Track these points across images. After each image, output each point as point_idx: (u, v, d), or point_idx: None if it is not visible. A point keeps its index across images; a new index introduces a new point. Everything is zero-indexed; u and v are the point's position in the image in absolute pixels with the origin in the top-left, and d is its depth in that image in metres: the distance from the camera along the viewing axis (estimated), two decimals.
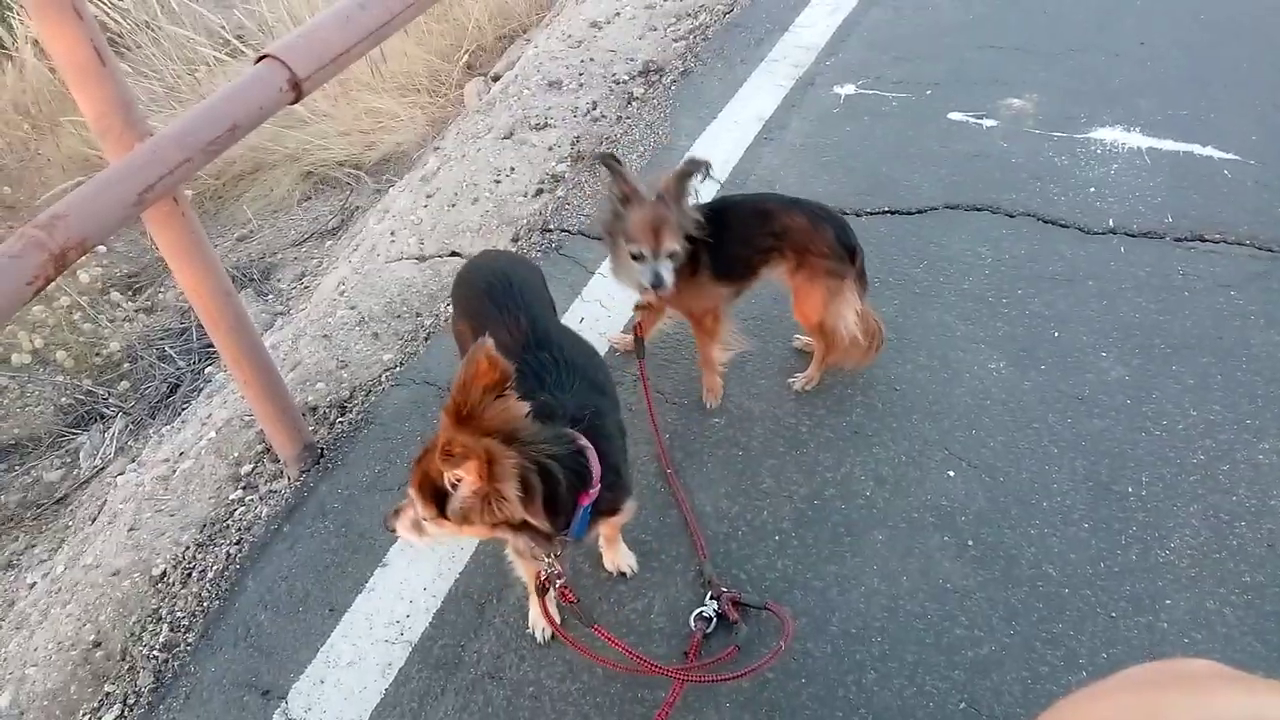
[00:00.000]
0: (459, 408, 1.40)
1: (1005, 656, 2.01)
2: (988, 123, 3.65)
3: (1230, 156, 3.35)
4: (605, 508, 1.72)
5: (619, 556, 2.22)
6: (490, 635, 2.12)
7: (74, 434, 3.49)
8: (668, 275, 2.21)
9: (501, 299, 1.99)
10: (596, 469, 1.59)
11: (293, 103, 2.04)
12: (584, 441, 1.59)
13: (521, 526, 1.51)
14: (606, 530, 2.06)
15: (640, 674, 1.97)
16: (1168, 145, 3.44)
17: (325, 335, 3.03)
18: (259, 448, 2.62)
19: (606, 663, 1.95)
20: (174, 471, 2.66)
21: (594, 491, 1.61)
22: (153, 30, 5.74)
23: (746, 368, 2.74)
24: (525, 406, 1.49)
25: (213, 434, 2.72)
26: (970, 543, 2.24)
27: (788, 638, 1.95)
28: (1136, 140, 3.48)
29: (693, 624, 2.09)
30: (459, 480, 1.39)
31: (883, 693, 1.96)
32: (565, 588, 1.82)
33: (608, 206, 2.25)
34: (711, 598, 2.11)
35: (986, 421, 2.51)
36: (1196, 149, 3.40)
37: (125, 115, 1.90)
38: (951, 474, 2.40)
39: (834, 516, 2.32)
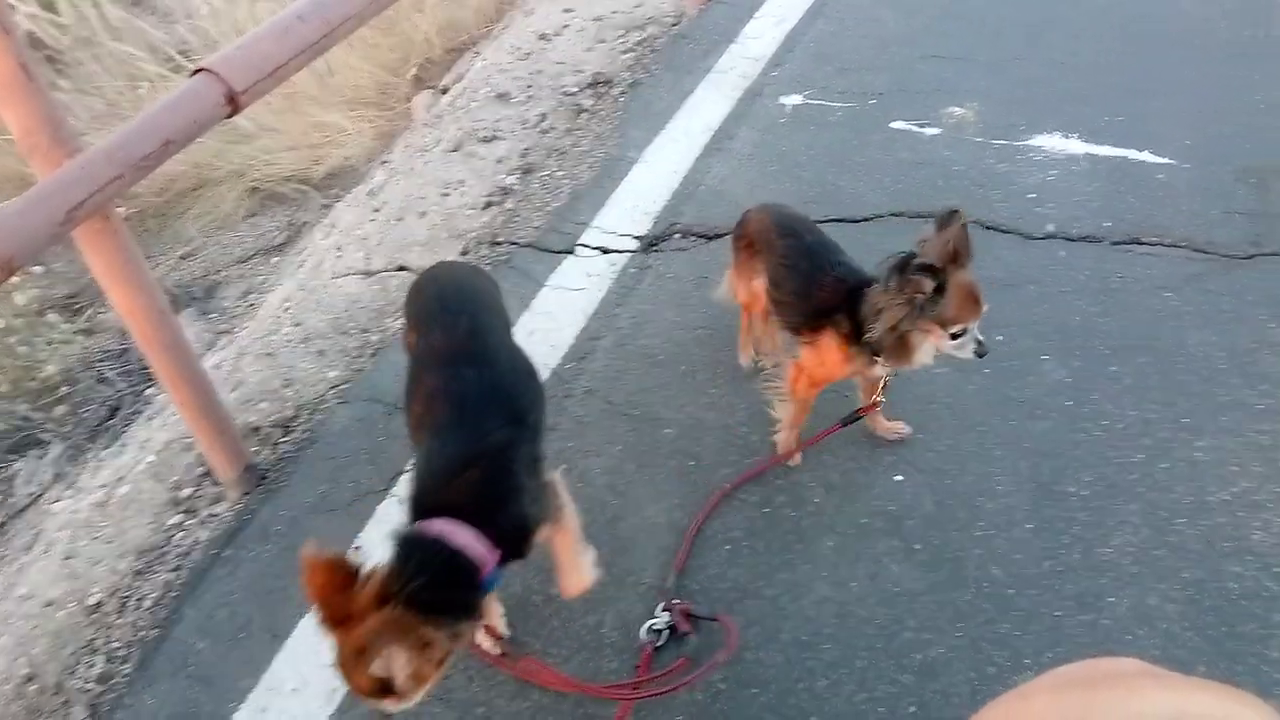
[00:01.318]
0: (334, 617, 1.42)
1: (953, 658, 2.02)
2: (930, 131, 3.70)
3: (1165, 161, 3.43)
4: (514, 552, 1.69)
5: (576, 575, 1.98)
6: None
7: (9, 461, 3.38)
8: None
9: (449, 307, 1.97)
10: (477, 550, 1.55)
11: (229, 116, 2.01)
12: (443, 533, 1.54)
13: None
14: (558, 551, 1.95)
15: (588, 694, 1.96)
16: (1105, 151, 3.51)
17: (269, 354, 2.98)
18: (199, 471, 2.57)
19: (553, 684, 1.94)
20: (111, 497, 2.59)
21: (490, 560, 1.57)
22: (94, 46, 5.62)
23: (698, 377, 2.74)
24: (382, 567, 1.47)
25: (151, 458, 2.66)
26: (918, 546, 2.26)
27: (730, 649, 1.94)
28: (1075, 147, 3.55)
29: (644, 635, 2.07)
30: (390, 669, 1.42)
31: (834, 699, 1.97)
32: (488, 627, 1.80)
33: (907, 292, 1.99)
34: (663, 609, 2.09)
35: (933, 426, 2.53)
36: (1132, 154, 3.48)
37: (53, 132, 1.85)
38: (899, 478, 2.42)
39: (784, 524, 2.33)
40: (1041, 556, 2.21)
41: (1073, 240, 3.10)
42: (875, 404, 2.37)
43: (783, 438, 2.46)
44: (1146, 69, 4.04)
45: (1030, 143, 3.59)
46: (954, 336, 2.04)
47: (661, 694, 1.92)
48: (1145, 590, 2.14)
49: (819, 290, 2.24)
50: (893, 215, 3.26)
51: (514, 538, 1.66)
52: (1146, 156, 3.46)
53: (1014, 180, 3.40)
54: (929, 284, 1.95)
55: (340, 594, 1.42)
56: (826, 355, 2.24)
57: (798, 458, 2.47)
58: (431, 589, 1.45)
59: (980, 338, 2.07)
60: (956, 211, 1.98)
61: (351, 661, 1.41)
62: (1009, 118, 3.74)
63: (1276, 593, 2.11)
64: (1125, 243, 3.07)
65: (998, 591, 2.14)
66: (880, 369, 2.23)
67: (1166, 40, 4.23)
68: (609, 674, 2.03)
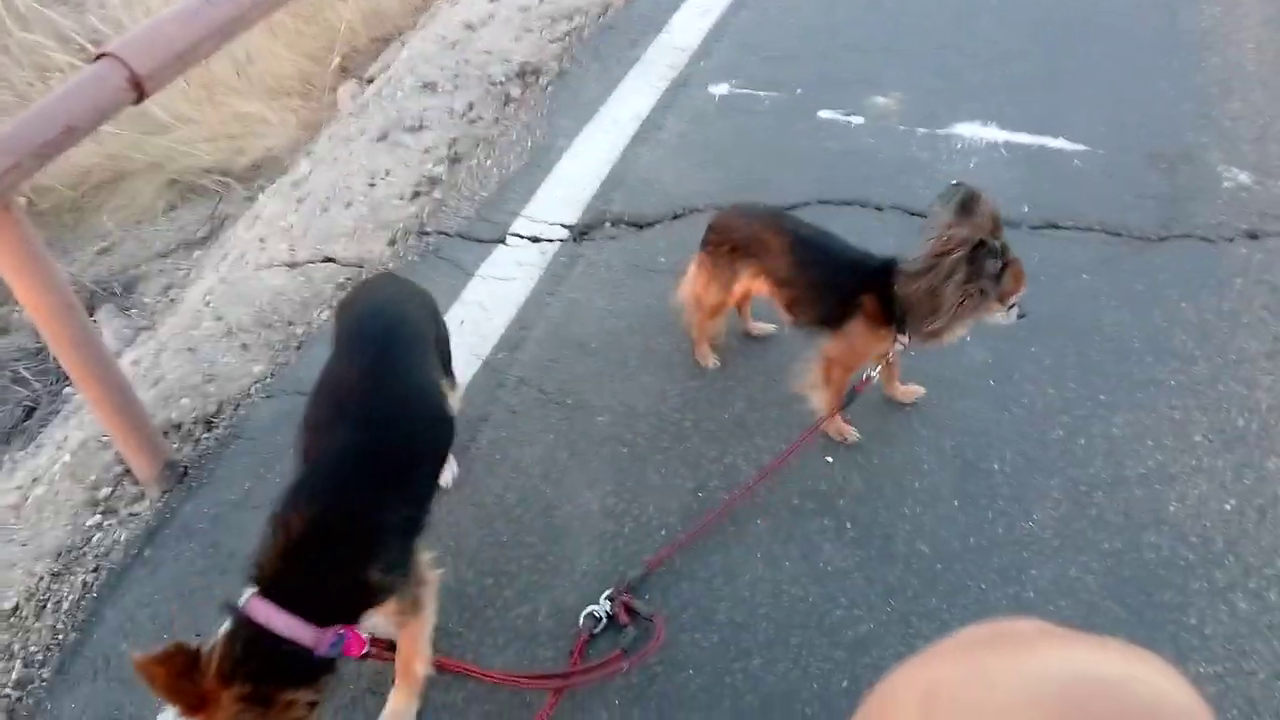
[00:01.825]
0: (189, 706, 1.43)
1: (884, 633, 2.06)
2: (855, 120, 3.76)
3: (1080, 148, 3.54)
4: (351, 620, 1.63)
5: (407, 674, 1.89)
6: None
7: None
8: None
9: (363, 333, 1.87)
10: (304, 635, 1.50)
11: (136, 103, 1.94)
12: (265, 620, 1.48)
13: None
14: (400, 641, 1.85)
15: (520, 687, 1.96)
16: (1022, 139, 3.61)
17: (190, 348, 2.89)
18: (118, 469, 2.48)
19: (487, 676, 1.93)
20: (26, 499, 2.49)
21: (322, 638, 1.52)
22: (1, 36, 5.39)
23: (630, 365, 2.74)
24: (218, 646, 1.46)
25: (68, 457, 2.56)
26: (849, 524, 2.29)
27: (652, 650, 1.97)
28: (994, 134, 3.64)
29: (581, 622, 2.07)
30: None
31: (768, 677, 1.99)
32: (376, 647, 1.76)
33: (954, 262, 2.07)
34: (606, 598, 2.09)
35: (859, 405, 2.56)
36: (1049, 141, 3.59)
37: None
38: (829, 459, 2.46)
39: (719, 506, 2.34)
40: (966, 532, 2.27)
41: None
42: (868, 380, 2.39)
43: (830, 425, 2.48)
44: (1063, 59, 4.16)
45: (951, 131, 3.67)
46: (1010, 308, 2.18)
47: (586, 682, 1.94)
48: (1066, 562, 2.21)
49: (840, 278, 2.29)
50: (820, 203, 3.30)
51: (347, 611, 1.60)
52: (1062, 144, 3.57)
53: (936, 168, 3.47)
54: (997, 265, 2.06)
55: (186, 680, 1.42)
56: (858, 339, 2.29)
57: (853, 434, 2.50)
58: (267, 672, 1.46)
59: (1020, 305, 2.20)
60: (963, 186, 2.10)
61: None
62: (930, 107, 3.81)
63: (1193, 561, 2.20)
64: (1043, 227, 3.16)
65: (925, 566, 2.19)
66: (905, 346, 2.29)
67: (1083, 31, 4.36)
68: (545, 661, 2.02)
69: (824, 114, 3.80)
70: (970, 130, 3.67)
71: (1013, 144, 3.58)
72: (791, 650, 2.04)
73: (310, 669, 1.52)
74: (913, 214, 3.22)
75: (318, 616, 1.52)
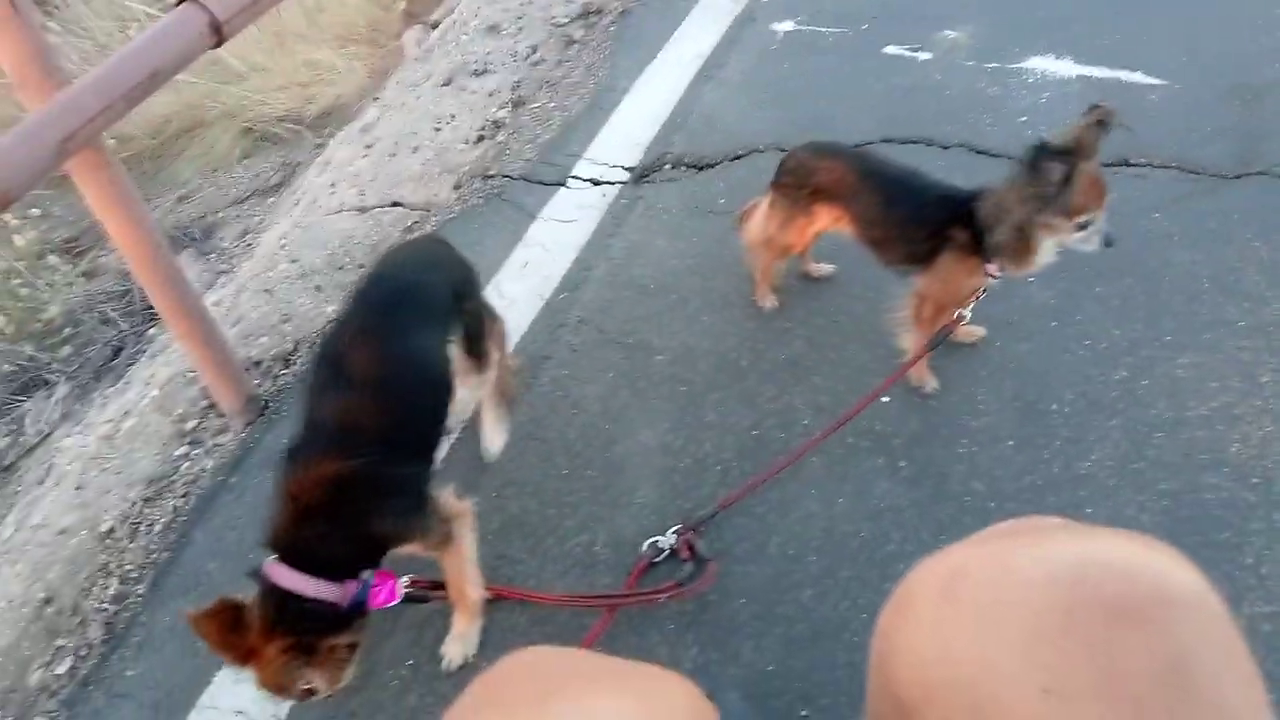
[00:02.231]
0: (239, 657, 1.54)
1: None
2: (923, 56, 3.68)
3: (1157, 82, 3.41)
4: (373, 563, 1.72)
5: (463, 599, 1.98)
6: (435, 573, 2.16)
7: (19, 401, 3.46)
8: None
9: (364, 303, 1.86)
10: (324, 592, 1.58)
11: (214, 47, 2.02)
12: (286, 584, 1.56)
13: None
14: (446, 570, 1.94)
15: (574, 605, 2.06)
16: (1097, 73, 3.49)
17: (267, 290, 3.02)
18: (203, 403, 2.63)
19: (544, 599, 2.04)
20: (118, 431, 2.66)
21: (345, 591, 1.61)
22: None
23: (690, 305, 2.78)
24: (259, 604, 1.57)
25: (156, 392, 2.72)
26: (903, 464, 2.32)
27: (699, 588, 2.03)
28: (1067, 69, 3.53)
29: (644, 548, 2.14)
30: (310, 683, 1.59)
31: (820, 608, 2.04)
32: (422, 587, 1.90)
33: (1029, 189, 2.07)
34: (674, 531, 2.15)
35: None
36: (1124, 75, 3.46)
37: (42, 64, 1.87)
38: (886, 399, 2.47)
39: (774, 445, 2.39)
40: (1022, 471, 2.27)
41: None
42: (960, 319, 2.36)
43: (916, 370, 2.45)
44: None
45: (1023, 65, 3.57)
46: (1080, 228, 2.09)
47: (637, 603, 2.04)
48: (1124, 502, 2.20)
49: (927, 212, 2.26)
50: (885, 141, 3.25)
51: (364, 561, 1.68)
52: (1138, 77, 3.44)
53: (1005, 104, 3.39)
54: (1059, 169, 1.98)
55: (236, 633, 1.52)
56: (950, 274, 2.28)
57: (933, 381, 2.49)
58: (302, 625, 1.56)
59: (1107, 228, 2.11)
60: (1100, 107, 2.00)
61: (275, 688, 1.56)
62: (1002, 41, 3.71)
63: (1253, 502, 2.17)
64: (1114, 164, 3.07)
65: (979, 504, 2.21)
66: (996, 277, 2.25)
67: None
68: (602, 586, 2.10)
69: (890, 50, 3.73)
70: (1043, 64, 3.56)
71: (1087, 78, 3.47)
72: (842, 583, 2.08)
73: (342, 617, 1.62)
74: (979, 152, 3.16)
75: (334, 571, 1.60)
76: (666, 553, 2.13)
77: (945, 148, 3.22)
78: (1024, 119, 3.30)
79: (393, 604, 1.79)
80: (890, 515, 2.21)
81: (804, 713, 1.87)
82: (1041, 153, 1.99)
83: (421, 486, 1.80)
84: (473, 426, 2.43)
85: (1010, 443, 2.33)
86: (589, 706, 0.69)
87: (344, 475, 1.61)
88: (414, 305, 1.89)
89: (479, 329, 2.11)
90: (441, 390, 1.89)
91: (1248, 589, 2.01)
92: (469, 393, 2.25)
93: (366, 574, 1.68)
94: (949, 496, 2.23)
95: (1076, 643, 0.61)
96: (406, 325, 1.84)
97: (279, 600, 1.55)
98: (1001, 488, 2.24)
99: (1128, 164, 3.07)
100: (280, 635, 1.53)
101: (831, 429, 2.30)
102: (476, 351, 2.11)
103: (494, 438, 2.38)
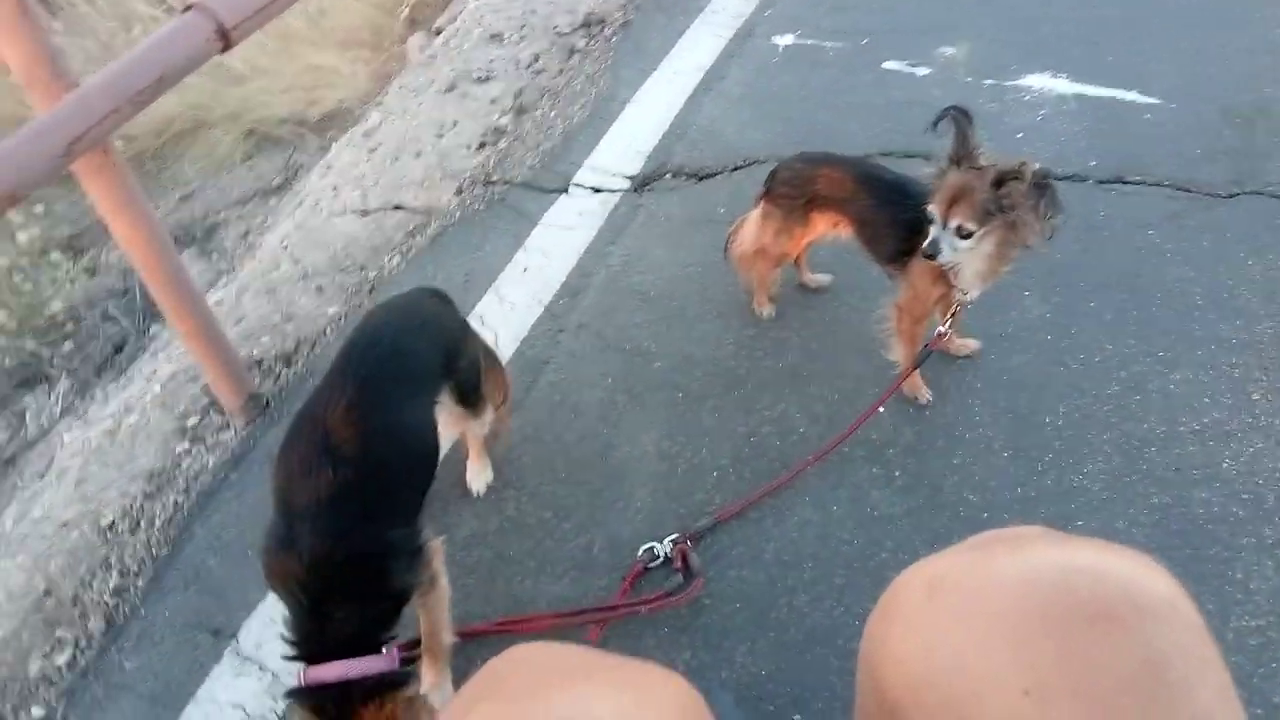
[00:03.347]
0: None
1: None
2: (921, 71, 3.72)
3: (1153, 101, 3.46)
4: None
5: (436, 648, 1.91)
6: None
7: (19, 395, 3.46)
8: (946, 248, 2.12)
9: (351, 367, 1.76)
10: (363, 669, 1.54)
11: (221, 52, 2.04)
12: (323, 680, 1.53)
13: None
14: (422, 617, 1.88)
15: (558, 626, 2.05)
16: (1093, 91, 3.54)
17: (269, 290, 3.04)
18: (205, 401, 2.65)
19: (521, 627, 2.04)
20: (120, 426, 2.68)
21: (382, 663, 1.57)
22: None
23: (688, 313, 2.81)
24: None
25: (158, 389, 2.74)
26: (898, 473, 2.34)
27: (683, 600, 2.04)
28: (1064, 86, 3.57)
29: (640, 553, 2.16)
30: None
31: (813, 613, 2.07)
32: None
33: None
34: (670, 540, 2.17)
35: None
36: (1120, 94, 3.51)
37: (52, 66, 1.89)
38: (881, 410, 2.50)
39: (770, 452, 2.41)
40: (1015, 483, 2.30)
41: (1058, 179, 3.11)
42: (942, 335, 2.38)
43: (909, 383, 2.48)
44: (1141, 8, 4.04)
45: (1020, 83, 3.61)
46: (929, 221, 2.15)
47: (624, 615, 2.04)
48: (1114, 515, 2.22)
49: (907, 214, 2.28)
50: (882, 155, 3.29)
51: (387, 626, 1.64)
52: (1134, 96, 3.49)
53: (1003, 120, 3.43)
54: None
55: None
56: (917, 280, 2.32)
57: (926, 393, 2.51)
58: (372, 697, 1.52)
59: (940, 240, 2.14)
60: (953, 108, 2.13)
61: None
62: (1000, 58, 3.75)
63: (1243, 518, 2.19)
64: (1110, 181, 3.11)
65: (972, 515, 2.23)
66: (962, 293, 2.28)
67: None
68: (599, 589, 2.13)
69: (890, 65, 3.77)
70: (1040, 82, 3.61)
71: (1083, 96, 3.52)
72: (835, 589, 2.11)
73: (391, 679, 1.57)
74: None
75: (367, 646, 1.57)
76: (661, 560, 2.16)
77: None
78: (1020, 135, 3.34)
79: None
80: (884, 524, 2.23)
81: (796, 717, 1.89)
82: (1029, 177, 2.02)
83: (416, 540, 1.75)
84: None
85: (1004, 454, 2.36)
86: (584, 699, 0.71)
87: (349, 555, 1.56)
88: (397, 373, 1.80)
89: (473, 381, 2.07)
90: (427, 457, 1.84)
91: (1235, 603, 2.04)
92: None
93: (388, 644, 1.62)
94: (942, 506, 2.26)
95: (1054, 645, 0.64)
96: (389, 396, 1.75)
97: (333, 694, 1.51)
98: (995, 498, 2.26)
99: (1123, 181, 3.11)
100: (361, 710, 1.50)
101: (827, 449, 2.34)
102: (470, 402, 2.07)
103: (477, 479, 2.36)
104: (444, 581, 1.85)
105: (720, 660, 1.99)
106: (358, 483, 1.61)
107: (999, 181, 2.02)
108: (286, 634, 1.56)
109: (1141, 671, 0.62)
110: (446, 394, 1.96)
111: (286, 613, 1.57)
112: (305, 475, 1.60)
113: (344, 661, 1.52)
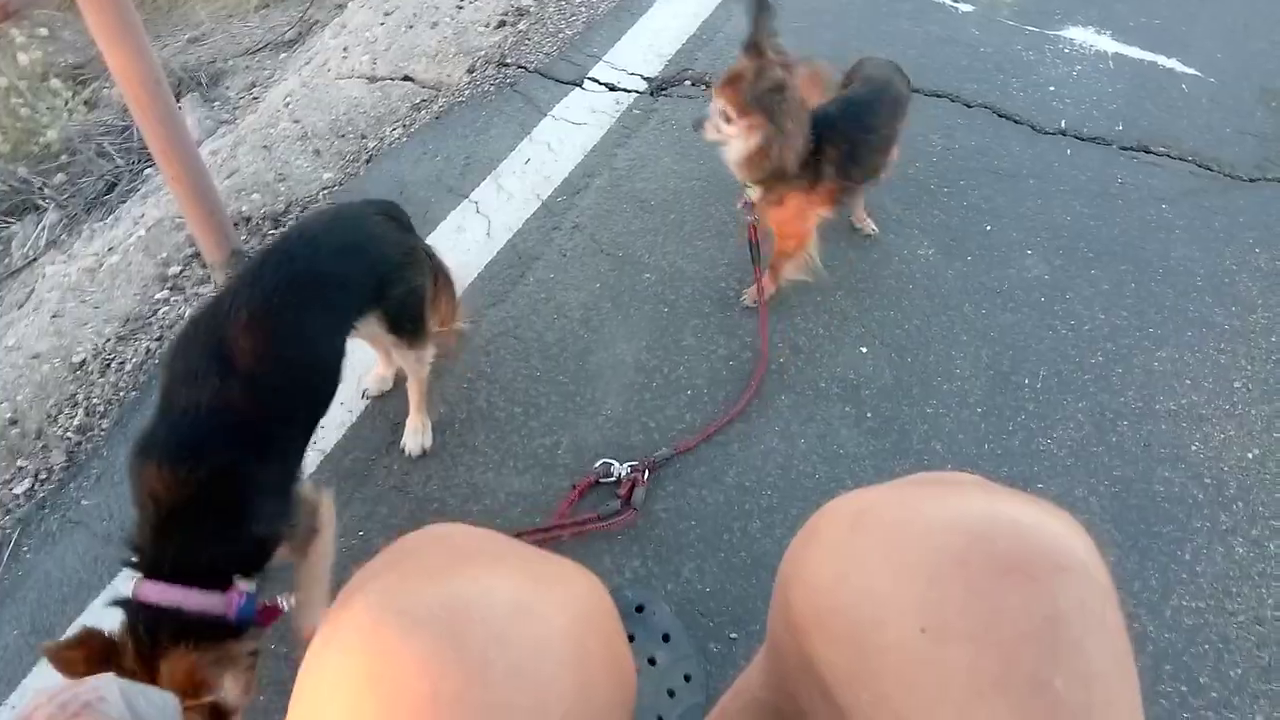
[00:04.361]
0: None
1: None
2: (964, 7, 3.59)
3: (1191, 71, 3.36)
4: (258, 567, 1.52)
5: (306, 611, 1.70)
6: (398, 454, 2.20)
7: (7, 222, 3.43)
8: (709, 127, 2.23)
9: (265, 277, 1.61)
10: (205, 604, 1.40)
11: None
12: (156, 600, 1.37)
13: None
14: (297, 575, 1.69)
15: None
16: (1134, 53, 3.43)
17: (266, 146, 2.98)
18: (189, 251, 2.62)
19: None
20: (102, 265, 2.65)
21: (230, 600, 1.42)
22: None
23: (686, 227, 2.76)
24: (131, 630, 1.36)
25: (143, 232, 2.70)
26: (869, 415, 2.35)
27: (618, 525, 2.06)
28: (1105, 44, 3.46)
29: (596, 465, 2.18)
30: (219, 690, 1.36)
31: (764, 540, 2.10)
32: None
33: None
34: (630, 465, 2.17)
35: (906, 304, 2.58)
36: (1161, 60, 3.40)
37: None
38: (864, 350, 2.49)
39: (746, 377, 2.41)
40: (983, 439, 2.31)
41: (1082, 140, 3.07)
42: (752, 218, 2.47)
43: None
44: None
45: (1062, 33, 3.49)
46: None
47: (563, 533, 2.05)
48: (1075, 482, 2.24)
49: None
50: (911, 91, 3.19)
51: (242, 568, 1.49)
52: (1174, 64, 3.38)
53: (1037, 70, 3.32)
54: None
55: (106, 664, 1.32)
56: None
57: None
58: (188, 641, 1.35)
59: (702, 117, 2.27)
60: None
61: (188, 687, 1.31)
62: (1045, 4, 3.63)
63: (1201, 501, 2.21)
64: (1133, 149, 3.04)
65: (935, 464, 2.24)
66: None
67: None
68: (559, 489, 2.14)
69: None
70: (1082, 35, 3.49)
71: (1122, 56, 3.40)
72: (790, 519, 2.13)
73: (232, 629, 1.44)
74: (1001, 115, 3.12)
75: (213, 580, 1.43)
76: (615, 480, 2.16)
77: (969, 106, 3.17)
78: (1052, 88, 3.25)
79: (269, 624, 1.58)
80: (848, 462, 2.25)
81: (733, 635, 1.93)
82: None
83: (293, 483, 1.64)
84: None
85: (978, 410, 2.36)
86: (485, 583, 0.70)
87: (213, 479, 1.43)
88: (312, 295, 1.66)
89: (413, 310, 1.95)
90: (326, 389, 1.72)
91: (1179, 582, 2.07)
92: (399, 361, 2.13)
93: (248, 585, 1.48)
94: (908, 452, 2.27)
95: (962, 589, 0.65)
96: (298, 317, 1.62)
97: (152, 621, 1.36)
98: (960, 451, 2.28)
99: (1147, 150, 3.04)
100: (170, 650, 1.34)
101: (746, 402, 2.32)
102: (406, 331, 1.96)
103: (414, 439, 2.21)
104: (328, 538, 1.71)
105: (668, 573, 2.03)
106: (241, 401, 1.49)
107: (776, 87, 2.08)
108: (130, 538, 1.45)
109: (1042, 626, 0.63)
110: (375, 321, 1.85)
111: (136, 519, 1.45)
112: (189, 380, 1.49)
113: (175, 587, 1.38)
